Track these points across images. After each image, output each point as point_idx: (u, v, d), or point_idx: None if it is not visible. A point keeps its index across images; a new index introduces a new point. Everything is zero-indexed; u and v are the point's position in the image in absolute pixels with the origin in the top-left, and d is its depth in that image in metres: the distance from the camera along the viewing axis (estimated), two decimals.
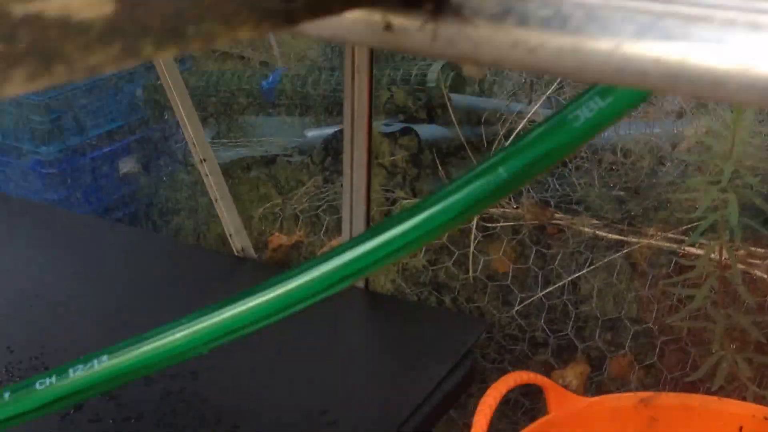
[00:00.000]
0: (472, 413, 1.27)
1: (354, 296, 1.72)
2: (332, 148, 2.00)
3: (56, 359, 1.40)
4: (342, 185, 1.70)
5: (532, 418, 1.37)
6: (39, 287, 1.60)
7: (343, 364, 1.47)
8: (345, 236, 1.69)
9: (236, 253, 1.81)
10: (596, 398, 1.34)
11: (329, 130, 2.43)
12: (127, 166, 2.35)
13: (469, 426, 1.28)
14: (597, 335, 1.58)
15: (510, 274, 1.66)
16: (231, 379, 1.37)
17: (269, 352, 1.42)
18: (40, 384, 0.80)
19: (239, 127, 2.37)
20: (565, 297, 1.61)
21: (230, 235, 1.81)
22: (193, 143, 1.80)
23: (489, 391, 1.19)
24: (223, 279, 1.78)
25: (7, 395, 0.82)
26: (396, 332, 1.50)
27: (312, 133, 2.39)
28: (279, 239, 1.82)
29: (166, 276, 1.71)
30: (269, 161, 2.05)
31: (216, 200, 1.82)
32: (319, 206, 1.76)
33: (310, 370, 1.39)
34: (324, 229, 1.75)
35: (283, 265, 1.80)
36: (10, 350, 1.41)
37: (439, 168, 1.84)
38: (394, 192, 1.80)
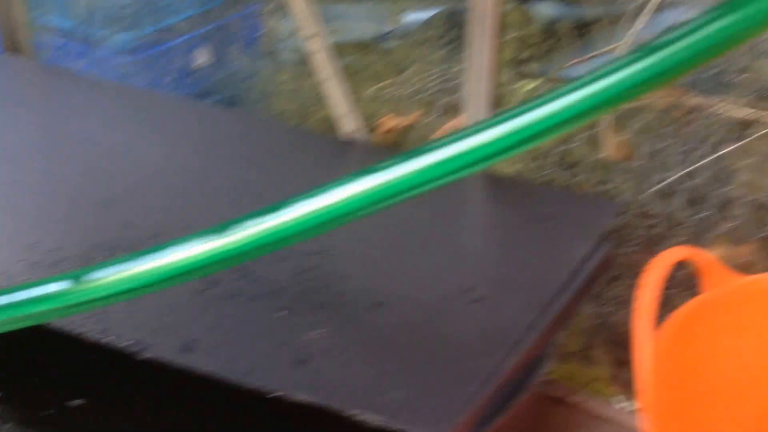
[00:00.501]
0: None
1: (479, 177, 1.65)
2: (451, 23, 1.89)
3: (178, 236, 1.36)
4: (462, 63, 1.61)
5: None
6: (154, 168, 1.57)
7: (481, 245, 1.41)
8: (466, 117, 1.61)
9: (346, 136, 1.75)
10: (753, 277, 1.26)
11: (426, 14, 2.32)
12: (206, 54, 2.29)
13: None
14: (738, 216, 1.49)
15: (645, 155, 1.56)
16: (368, 258, 1.33)
17: (404, 234, 1.37)
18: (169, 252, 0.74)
19: (333, 16, 2.27)
20: (702, 178, 1.52)
21: (340, 117, 1.74)
22: (302, 19, 1.72)
23: (650, 268, 1.12)
24: (334, 162, 1.72)
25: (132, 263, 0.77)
26: (530, 214, 1.42)
27: (411, 17, 2.30)
28: (391, 121, 1.75)
29: (276, 160, 1.66)
30: (370, 44, 1.96)
31: (324, 80, 1.75)
32: (436, 86, 1.67)
33: (448, 249, 1.34)
34: (440, 110, 1.67)
35: (395, 148, 1.73)
36: (132, 227, 1.38)
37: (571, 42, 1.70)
38: (521, 69, 1.70)
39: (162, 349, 1.12)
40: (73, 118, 1.74)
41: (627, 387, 1.70)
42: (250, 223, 0.65)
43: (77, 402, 1.23)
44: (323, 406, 1.02)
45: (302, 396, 1.03)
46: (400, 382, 1.06)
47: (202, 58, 2.29)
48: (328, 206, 0.64)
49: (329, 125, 1.78)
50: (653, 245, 1.62)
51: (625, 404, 1.69)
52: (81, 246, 1.33)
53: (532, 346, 1.14)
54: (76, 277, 0.55)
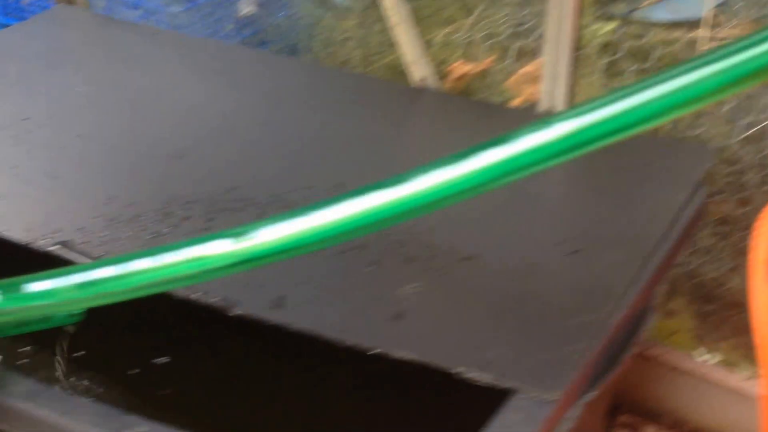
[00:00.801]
0: None
1: None
2: None
3: (251, 191, 1.33)
4: (540, 4, 1.54)
5: None
6: (223, 119, 1.53)
7: (573, 195, 1.36)
8: (543, 61, 1.54)
9: (415, 84, 1.69)
10: None
11: None
12: (259, 2, 2.23)
13: None
14: None
15: (734, 98, 1.49)
16: (454, 209, 1.27)
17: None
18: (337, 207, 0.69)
19: None
20: None
21: (409, 64, 1.69)
22: None
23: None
24: (405, 111, 1.67)
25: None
26: (620, 163, 1.36)
27: None
28: (462, 67, 1.69)
29: (345, 108, 1.61)
30: None
31: (394, 26, 1.69)
32: (509, 30, 1.60)
33: (538, 201, 1.29)
34: (514, 55, 1.60)
35: (467, 95, 1.68)
36: (207, 180, 1.35)
37: None
38: (604, 10, 1.62)
39: (251, 305, 1.10)
40: (134, 68, 1.70)
41: (709, 339, 1.65)
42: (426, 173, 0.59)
43: (163, 360, 1.22)
44: (425, 364, 0.98)
45: (402, 353, 1.00)
46: (503, 339, 1.02)
47: (256, 6, 2.24)
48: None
49: (396, 73, 1.72)
50: (741, 193, 1.56)
51: (706, 357, 1.65)
52: (156, 200, 1.31)
53: (636, 300, 1.09)
54: (236, 236, 0.51)
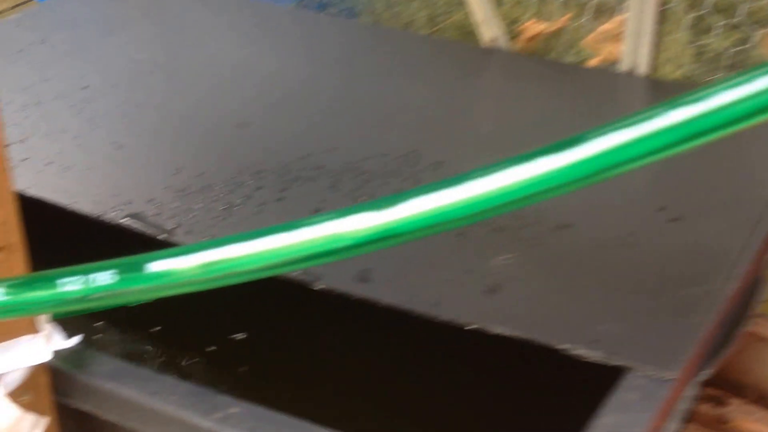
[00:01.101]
0: None
1: (637, 85, 1.51)
2: None
3: (323, 159, 1.28)
4: None
5: None
6: (288, 85, 1.48)
7: (672, 157, 1.29)
8: (624, 19, 1.46)
9: (485, 45, 1.62)
10: None
11: None
12: None
13: None
14: None
15: None
16: None
17: None
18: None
19: None
20: None
21: (479, 24, 1.61)
22: None
23: None
24: (475, 73, 1.60)
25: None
26: None
27: None
28: (535, 27, 1.62)
29: (414, 71, 1.55)
30: None
31: None
32: None
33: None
34: (591, 12, 1.52)
35: (540, 55, 1.60)
36: (276, 149, 1.30)
37: None
38: None
39: (335, 279, 1.05)
40: (191, 34, 1.66)
41: None
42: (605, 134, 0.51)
43: (241, 335, 1.18)
44: (527, 340, 0.93)
45: (501, 328, 0.94)
46: (610, 313, 0.96)
47: None
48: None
49: (464, 34, 1.65)
50: None
51: None
52: (226, 170, 1.26)
53: (748, 269, 1.02)
54: (378, 208, 0.45)
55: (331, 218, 0.46)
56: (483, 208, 0.47)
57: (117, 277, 0.45)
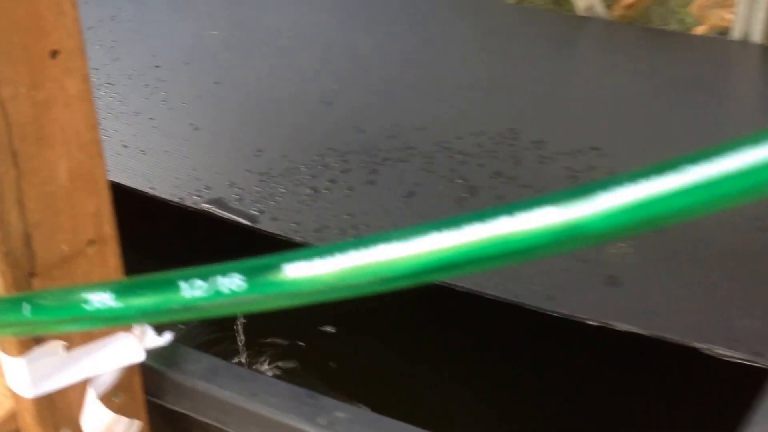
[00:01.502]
0: None
1: (752, 54, 1.40)
2: None
3: (413, 138, 1.21)
4: None
5: None
6: (372, 59, 1.41)
7: None
8: None
9: (580, 12, 1.53)
10: None
11: None
12: None
13: None
14: None
15: None
16: (651, 157, 1.13)
17: (692, 130, 1.17)
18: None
19: None
20: None
21: None
22: None
23: None
24: (571, 42, 1.51)
25: None
26: None
27: None
28: None
29: (506, 41, 1.47)
30: None
31: None
32: None
33: None
34: None
35: (640, 23, 1.50)
36: (362, 128, 1.23)
37: None
38: None
39: None
40: (266, 8, 1.59)
41: None
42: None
43: (330, 329, 1.12)
44: (659, 339, 0.84)
45: (627, 326, 0.86)
46: (748, 306, 0.88)
47: None
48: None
49: (558, 1, 1.56)
50: None
51: None
52: (310, 151, 1.20)
53: None
54: (561, 202, 0.37)
55: (503, 214, 0.39)
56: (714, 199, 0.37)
57: (246, 283, 0.39)
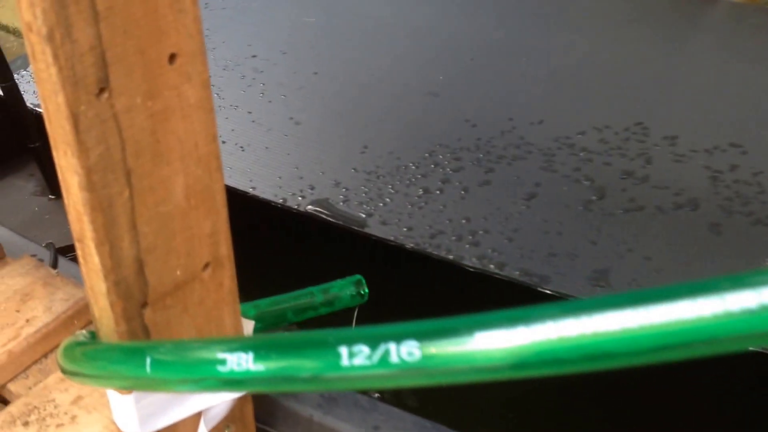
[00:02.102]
0: None
1: None
2: None
3: (530, 133, 1.12)
4: None
5: None
6: (479, 47, 1.32)
7: None
8: None
9: None
10: None
11: None
12: None
13: None
14: None
15: None
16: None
17: None
18: None
19: None
20: None
21: None
22: None
23: None
24: (695, 29, 1.39)
25: None
26: None
27: None
28: None
29: (625, 28, 1.36)
30: None
31: None
32: None
33: None
34: None
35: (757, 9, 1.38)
36: (473, 121, 1.15)
37: None
38: None
39: (566, 282, 0.90)
40: None
41: None
42: None
43: None
44: None
45: None
46: None
47: None
48: None
49: None
50: None
51: None
52: (418, 148, 1.12)
53: None
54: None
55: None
56: None
57: (420, 351, 0.31)
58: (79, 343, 0.48)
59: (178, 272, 0.54)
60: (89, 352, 0.45)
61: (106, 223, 0.47)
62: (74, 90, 0.41)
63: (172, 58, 0.46)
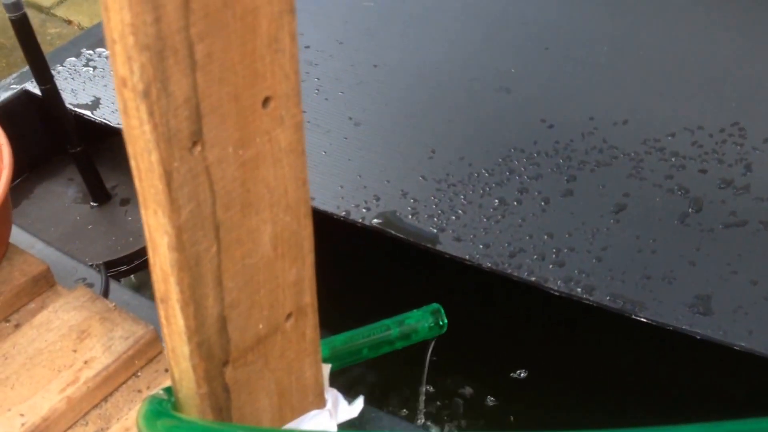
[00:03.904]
0: None
1: None
2: None
3: (615, 135, 1.09)
4: None
5: None
6: (549, 37, 1.29)
7: None
8: None
9: None
10: None
11: None
12: None
13: None
14: None
15: None
16: None
17: None
18: None
19: None
20: None
21: None
22: None
23: None
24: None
25: None
26: None
27: None
28: None
29: (682, 16, 1.32)
30: None
31: None
32: None
33: None
34: None
35: None
36: (550, 122, 1.12)
37: None
38: None
39: (665, 311, 0.88)
40: None
41: None
42: None
43: (522, 374, 1.04)
44: None
45: None
46: None
47: None
48: None
49: None
50: None
51: None
52: (490, 153, 1.10)
53: None
54: None
55: None
56: None
57: None
58: (160, 414, 0.47)
59: (261, 326, 0.53)
60: (172, 428, 0.44)
61: (192, 282, 0.46)
62: (168, 146, 0.40)
63: (266, 101, 0.45)
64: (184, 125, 0.41)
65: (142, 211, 0.44)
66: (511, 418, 0.98)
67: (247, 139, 0.45)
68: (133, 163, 0.42)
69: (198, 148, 0.42)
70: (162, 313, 0.48)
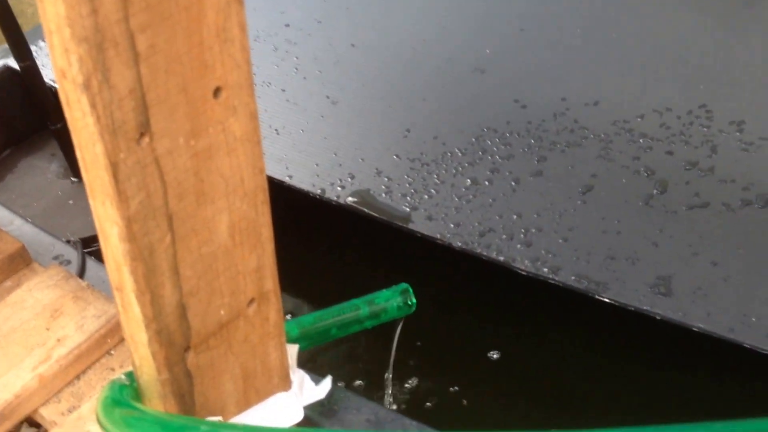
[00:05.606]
0: None
1: None
2: None
3: (585, 116, 1.07)
4: None
5: None
6: (529, 21, 1.26)
7: None
8: None
9: None
10: None
11: None
12: None
13: None
14: None
15: None
16: None
17: None
18: None
19: None
20: None
21: None
22: None
23: None
24: (749, 14, 1.32)
25: None
26: None
27: None
28: None
29: (688, 12, 1.29)
30: None
31: None
32: None
33: None
34: None
35: None
36: (522, 102, 1.10)
37: None
38: None
39: (625, 290, 0.86)
40: None
41: None
42: None
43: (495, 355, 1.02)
44: None
45: None
46: None
47: None
48: None
49: None
50: None
51: None
52: (464, 132, 1.08)
53: None
54: None
55: None
56: None
57: None
58: (119, 403, 0.45)
59: (222, 312, 0.52)
60: (130, 419, 0.43)
61: (147, 272, 0.44)
62: (113, 138, 0.38)
63: (217, 92, 0.43)
64: (129, 117, 0.38)
65: (91, 202, 0.42)
66: (479, 399, 0.97)
67: (198, 130, 0.43)
68: (79, 154, 0.40)
69: (146, 139, 0.40)
70: (118, 301, 0.46)
